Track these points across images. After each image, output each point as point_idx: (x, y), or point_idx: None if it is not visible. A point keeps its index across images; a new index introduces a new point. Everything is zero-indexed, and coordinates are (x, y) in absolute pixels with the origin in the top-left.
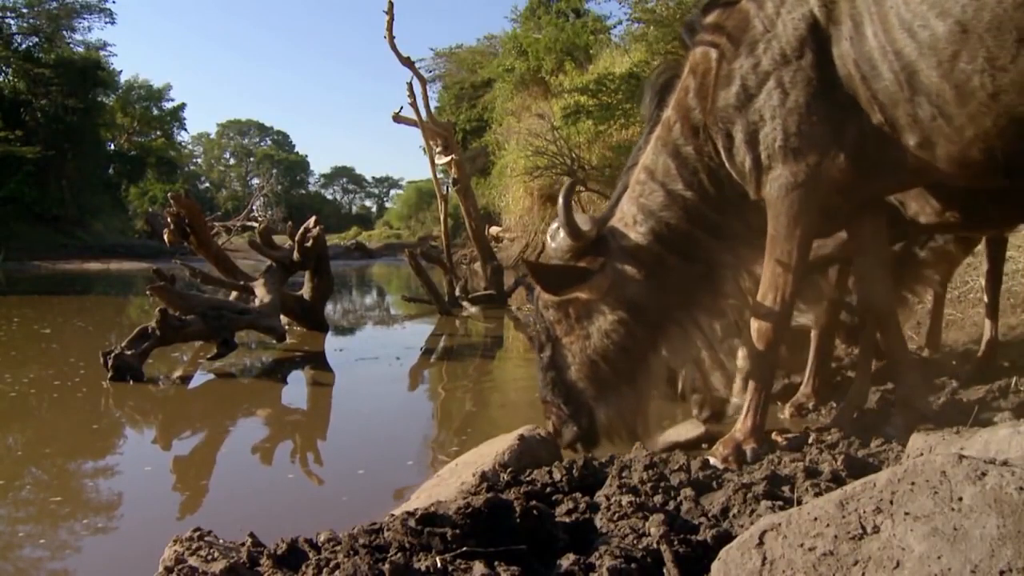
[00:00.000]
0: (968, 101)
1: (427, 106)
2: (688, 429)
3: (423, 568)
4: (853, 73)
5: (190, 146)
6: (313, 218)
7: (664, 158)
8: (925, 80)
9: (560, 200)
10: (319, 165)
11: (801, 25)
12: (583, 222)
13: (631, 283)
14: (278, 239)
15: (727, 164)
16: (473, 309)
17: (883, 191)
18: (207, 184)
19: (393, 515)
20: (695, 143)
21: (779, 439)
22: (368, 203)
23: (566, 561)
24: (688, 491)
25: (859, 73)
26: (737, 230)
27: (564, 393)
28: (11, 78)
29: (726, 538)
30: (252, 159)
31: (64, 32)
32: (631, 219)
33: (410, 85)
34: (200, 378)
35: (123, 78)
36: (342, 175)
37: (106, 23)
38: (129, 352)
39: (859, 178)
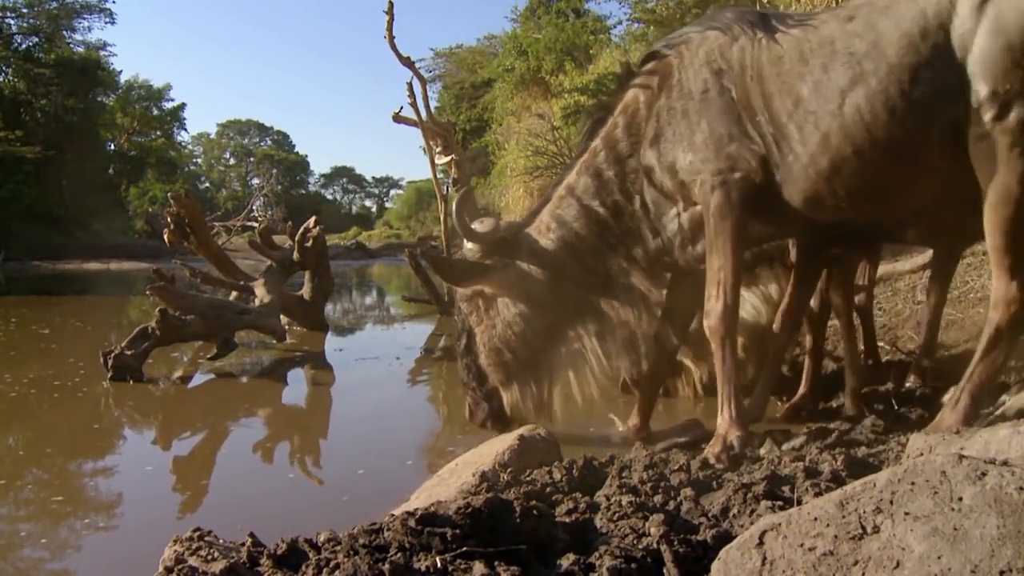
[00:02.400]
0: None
1: (427, 106)
2: (688, 429)
3: (423, 568)
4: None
5: (190, 146)
6: (313, 218)
7: (585, 178)
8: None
9: (453, 207)
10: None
11: (705, 72)
12: (486, 226)
13: (534, 282)
14: (278, 239)
15: (653, 186)
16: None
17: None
18: (207, 184)
19: (393, 515)
20: (617, 169)
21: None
22: (368, 203)
23: (566, 561)
24: (688, 491)
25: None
26: (636, 255)
27: (477, 377)
28: (11, 78)
29: (726, 538)
30: (252, 159)
31: (64, 32)
32: (545, 227)
33: (410, 85)
34: (200, 378)
35: (123, 78)
36: (342, 175)
37: (106, 23)
38: (129, 352)
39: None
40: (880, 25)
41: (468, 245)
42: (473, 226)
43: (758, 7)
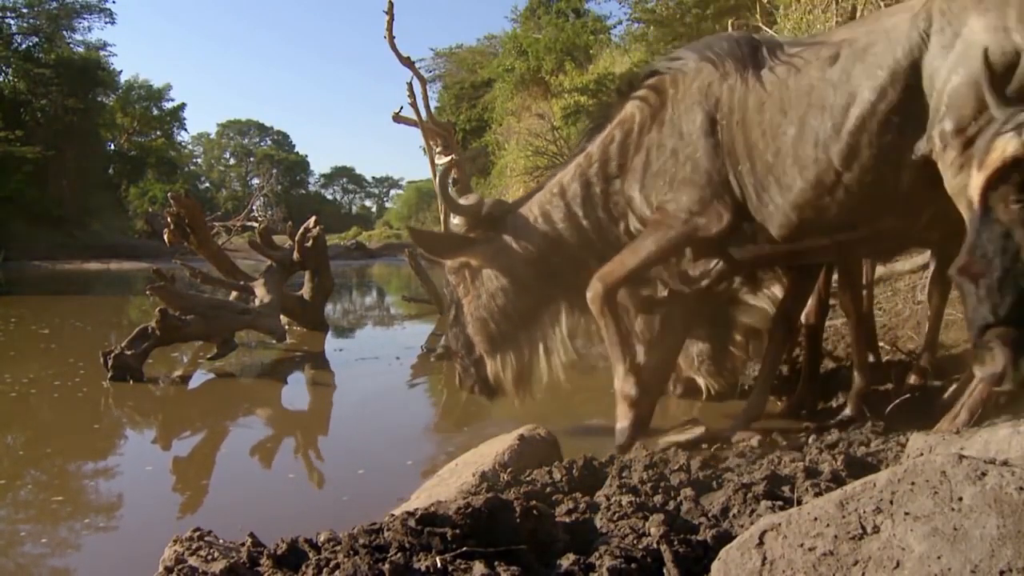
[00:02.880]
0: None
1: (427, 106)
2: (688, 429)
3: (423, 568)
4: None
5: (190, 146)
6: (313, 218)
7: (576, 186)
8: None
9: (437, 180)
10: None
11: (696, 112)
12: (470, 200)
13: (516, 261)
14: (278, 239)
15: (635, 215)
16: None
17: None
18: (207, 184)
19: (393, 515)
20: (604, 186)
21: (779, 439)
22: (368, 203)
23: (566, 561)
24: (688, 491)
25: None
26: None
27: (465, 346)
28: (11, 78)
29: (726, 538)
30: (252, 159)
31: (64, 32)
32: (533, 217)
33: (410, 85)
34: (200, 378)
35: (123, 78)
36: (342, 175)
37: (106, 23)
38: (129, 352)
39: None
40: (855, 76)
41: (453, 220)
42: (460, 201)
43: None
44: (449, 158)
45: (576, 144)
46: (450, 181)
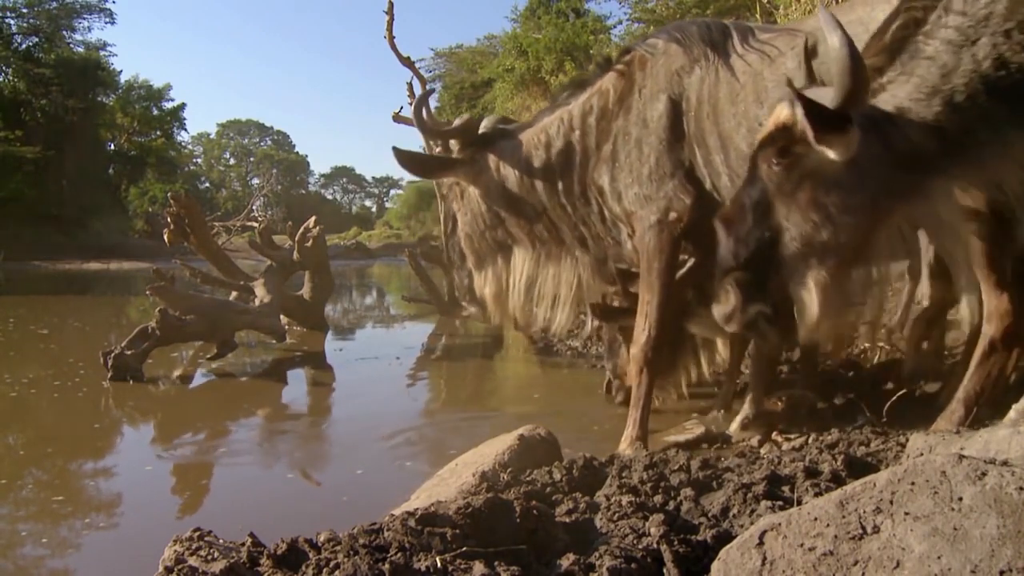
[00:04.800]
0: None
1: (427, 106)
2: (688, 429)
3: (423, 568)
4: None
5: (190, 146)
6: (313, 218)
7: (560, 143)
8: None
9: (413, 106)
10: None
11: (662, 100)
12: (460, 120)
13: (494, 188)
14: (278, 239)
15: (606, 205)
16: (473, 309)
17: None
18: (207, 184)
19: (393, 515)
20: (583, 158)
21: (779, 439)
22: (368, 203)
23: (566, 561)
24: (688, 491)
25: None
26: (587, 243)
27: (459, 257)
28: (11, 78)
29: (726, 538)
30: (252, 159)
31: (64, 32)
32: (524, 148)
33: (410, 85)
34: (200, 378)
35: (123, 78)
36: (342, 175)
37: (106, 23)
38: (129, 352)
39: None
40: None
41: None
42: (455, 124)
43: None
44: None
45: (563, 90)
46: (427, 107)
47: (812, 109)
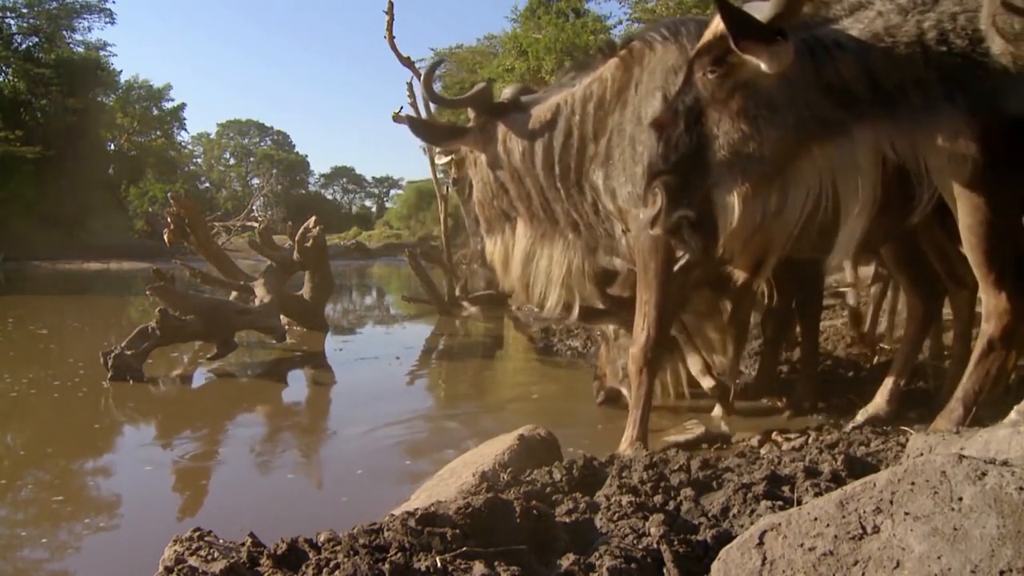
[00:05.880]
0: None
1: (427, 106)
2: (688, 429)
3: (423, 568)
4: None
5: (190, 146)
6: (313, 218)
7: (562, 123)
8: None
9: (423, 76)
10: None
11: (657, 98)
12: (475, 90)
13: (498, 160)
14: (278, 239)
15: (601, 202)
16: (473, 309)
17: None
18: (207, 184)
19: (393, 515)
20: (580, 144)
21: (779, 439)
22: (368, 203)
23: (566, 561)
24: (688, 491)
25: None
26: (581, 232)
27: (474, 222)
28: (11, 78)
29: (726, 538)
30: (252, 159)
31: (64, 32)
32: (531, 124)
33: (410, 85)
34: (200, 378)
35: (123, 78)
36: (342, 175)
37: (106, 23)
38: (129, 352)
39: None
40: None
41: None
42: (471, 92)
43: None
44: (449, 158)
45: (569, 71)
46: (436, 78)
47: (735, 17)
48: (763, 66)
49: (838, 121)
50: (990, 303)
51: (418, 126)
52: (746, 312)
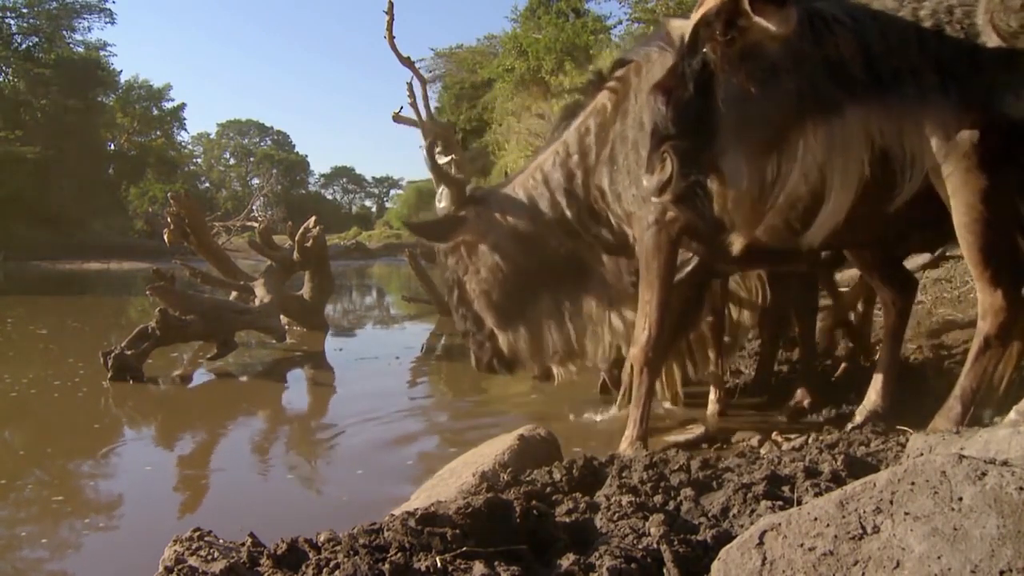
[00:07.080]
0: None
1: (427, 106)
2: (688, 429)
3: (423, 568)
4: None
5: (190, 146)
6: (313, 218)
7: (558, 175)
8: None
9: (426, 154)
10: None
11: None
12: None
13: (506, 236)
14: (278, 239)
15: (606, 206)
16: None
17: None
18: (207, 184)
19: (393, 515)
20: (584, 178)
21: (779, 439)
22: (368, 203)
23: (566, 561)
24: (688, 491)
25: None
26: (602, 259)
27: (475, 322)
28: (11, 78)
29: (726, 538)
30: (252, 159)
31: (64, 32)
32: (517, 198)
33: (410, 85)
34: (200, 378)
35: (123, 78)
36: (342, 175)
37: (106, 23)
38: (129, 352)
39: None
40: None
41: (440, 205)
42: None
43: None
44: (449, 158)
45: (555, 127)
46: (438, 152)
47: None
48: (772, 28)
49: (832, 98)
50: (986, 300)
51: (423, 228)
52: (720, 313)
